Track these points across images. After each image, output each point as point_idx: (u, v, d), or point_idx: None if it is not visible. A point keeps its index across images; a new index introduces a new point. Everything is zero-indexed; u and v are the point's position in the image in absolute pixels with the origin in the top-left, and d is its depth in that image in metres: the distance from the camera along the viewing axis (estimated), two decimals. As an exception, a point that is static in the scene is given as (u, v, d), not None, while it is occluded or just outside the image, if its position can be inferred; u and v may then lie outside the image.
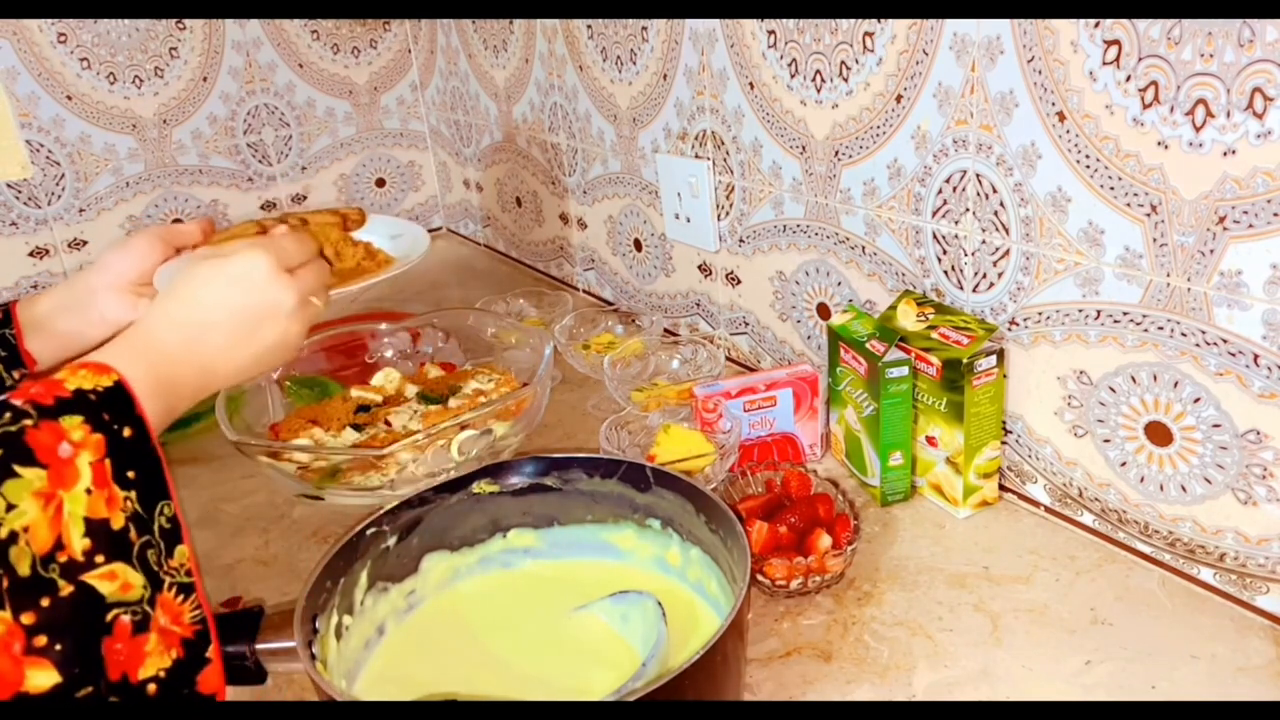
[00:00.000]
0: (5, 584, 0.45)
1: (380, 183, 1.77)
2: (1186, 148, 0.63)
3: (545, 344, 0.95)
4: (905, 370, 0.80)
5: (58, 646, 0.46)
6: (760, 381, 0.91)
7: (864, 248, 0.91)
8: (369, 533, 0.68)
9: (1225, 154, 0.61)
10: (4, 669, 0.44)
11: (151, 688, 0.50)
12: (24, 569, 0.46)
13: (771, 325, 1.08)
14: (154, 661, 0.50)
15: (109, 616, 0.49)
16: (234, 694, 0.67)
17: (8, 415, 0.49)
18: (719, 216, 1.10)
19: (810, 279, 1.00)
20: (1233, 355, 0.64)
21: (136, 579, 0.50)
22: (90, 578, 0.48)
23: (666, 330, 1.26)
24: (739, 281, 1.11)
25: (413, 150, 1.79)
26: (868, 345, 0.82)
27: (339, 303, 1.07)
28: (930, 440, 0.82)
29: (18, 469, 0.47)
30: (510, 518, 0.74)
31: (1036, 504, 0.83)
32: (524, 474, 0.74)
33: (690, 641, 0.64)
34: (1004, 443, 0.83)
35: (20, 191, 1.46)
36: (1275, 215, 0.59)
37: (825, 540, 0.73)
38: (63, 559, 0.48)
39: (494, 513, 0.74)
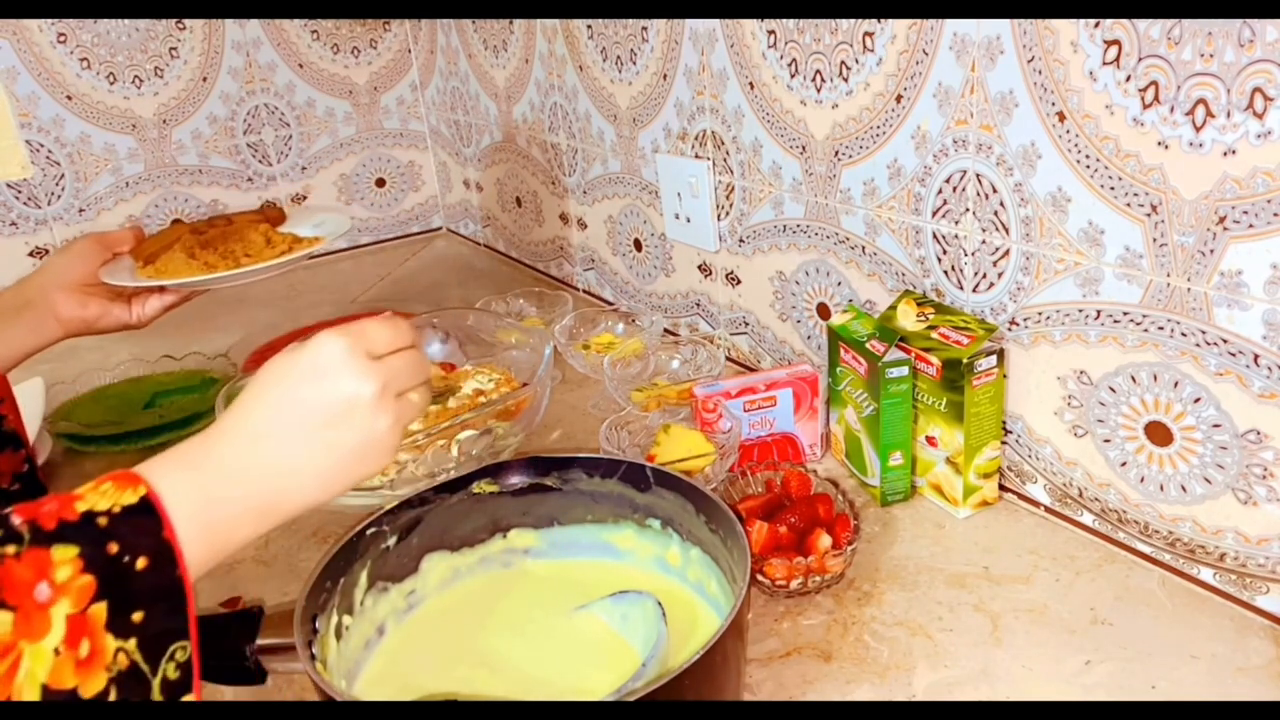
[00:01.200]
0: None
1: (380, 183, 1.78)
2: (1186, 148, 0.63)
3: (545, 344, 0.95)
4: (905, 370, 0.80)
5: None
6: (760, 381, 0.91)
7: (864, 248, 0.91)
8: (369, 533, 0.68)
9: (1225, 154, 0.61)
10: None
11: None
12: None
13: (771, 325, 1.08)
14: None
15: None
16: (234, 694, 0.67)
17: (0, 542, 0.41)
18: (719, 216, 1.10)
19: (810, 279, 1.00)
20: (1233, 355, 0.64)
21: None
22: None
23: (666, 330, 1.26)
24: (739, 281, 1.11)
25: (413, 150, 1.79)
26: (868, 345, 0.82)
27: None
28: (930, 440, 0.82)
29: None
30: (510, 518, 0.74)
31: (1036, 504, 0.83)
32: (524, 474, 0.74)
33: (690, 641, 0.64)
34: (1004, 443, 0.83)
35: (20, 191, 1.46)
36: (1275, 215, 0.59)
37: (825, 540, 0.73)
38: None
39: (494, 513, 0.74)
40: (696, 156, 1.09)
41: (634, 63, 1.14)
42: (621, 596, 0.67)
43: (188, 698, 0.44)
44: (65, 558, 0.41)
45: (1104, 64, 0.66)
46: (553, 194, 1.44)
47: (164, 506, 0.45)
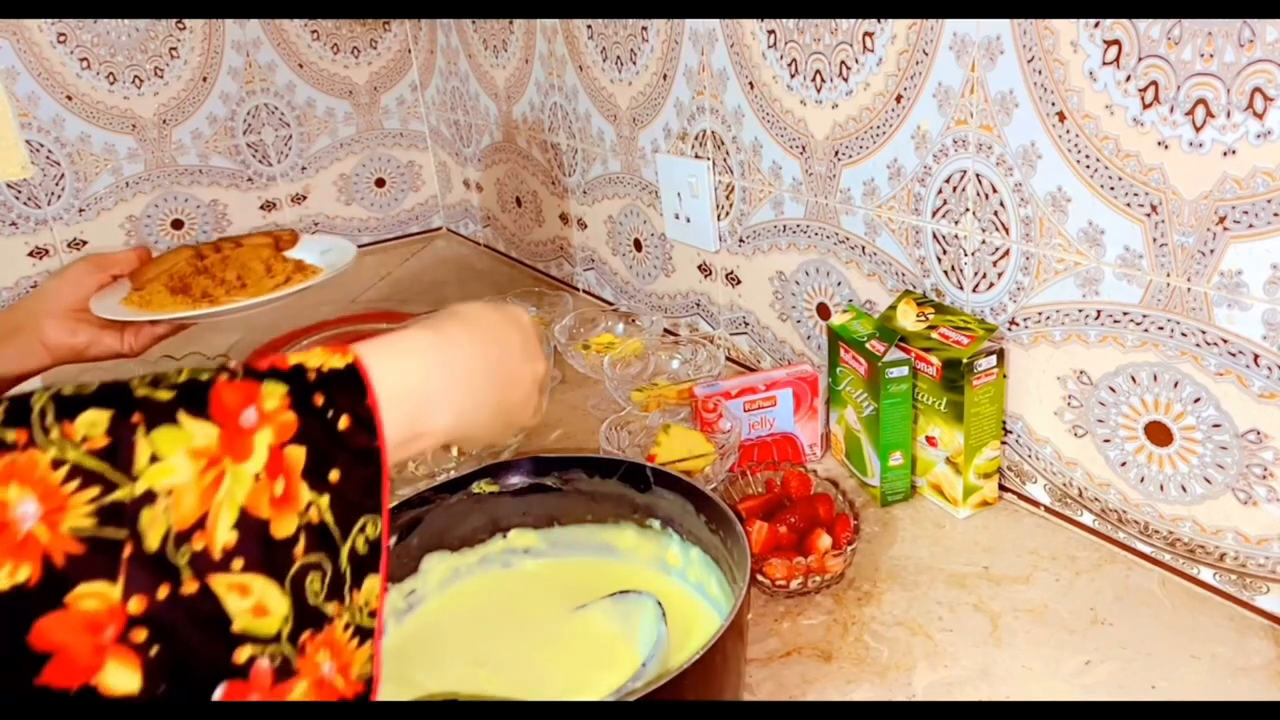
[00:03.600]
0: (127, 552, 0.37)
1: (380, 183, 1.78)
2: (1186, 148, 0.63)
3: (545, 344, 0.95)
4: (905, 370, 0.80)
5: (153, 650, 0.37)
6: (760, 381, 0.91)
7: (864, 248, 0.91)
8: (369, 533, 0.68)
9: (1225, 154, 0.61)
10: (82, 652, 0.35)
11: None
12: (153, 540, 0.37)
13: (771, 325, 1.08)
14: None
15: (240, 654, 0.39)
16: (234, 694, 0.67)
17: (215, 371, 0.41)
18: (719, 216, 1.10)
19: (810, 279, 1.00)
20: (1233, 355, 0.64)
21: (279, 606, 0.40)
22: (218, 583, 0.39)
23: (666, 330, 1.26)
24: (739, 281, 1.11)
25: (413, 150, 1.79)
26: (868, 345, 0.82)
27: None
28: (930, 440, 0.82)
29: (181, 417, 0.39)
30: (510, 518, 0.74)
31: (1036, 504, 0.83)
32: (524, 474, 0.74)
33: (690, 641, 0.64)
34: (1004, 443, 0.83)
35: (20, 191, 1.46)
36: (1275, 215, 0.59)
37: (825, 540, 0.73)
38: (198, 545, 0.38)
39: (494, 513, 0.74)
40: (696, 156, 1.09)
41: (634, 63, 1.14)
42: (621, 596, 0.67)
43: (371, 579, 0.44)
44: (274, 392, 0.42)
45: (1104, 64, 0.66)
46: (553, 194, 1.44)
47: (370, 379, 0.45)
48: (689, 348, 1.09)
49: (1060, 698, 0.63)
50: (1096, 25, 0.65)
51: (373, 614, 0.44)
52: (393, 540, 0.69)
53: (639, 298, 1.31)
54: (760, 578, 0.72)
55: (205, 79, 1.55)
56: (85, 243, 1.52)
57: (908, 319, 0.82)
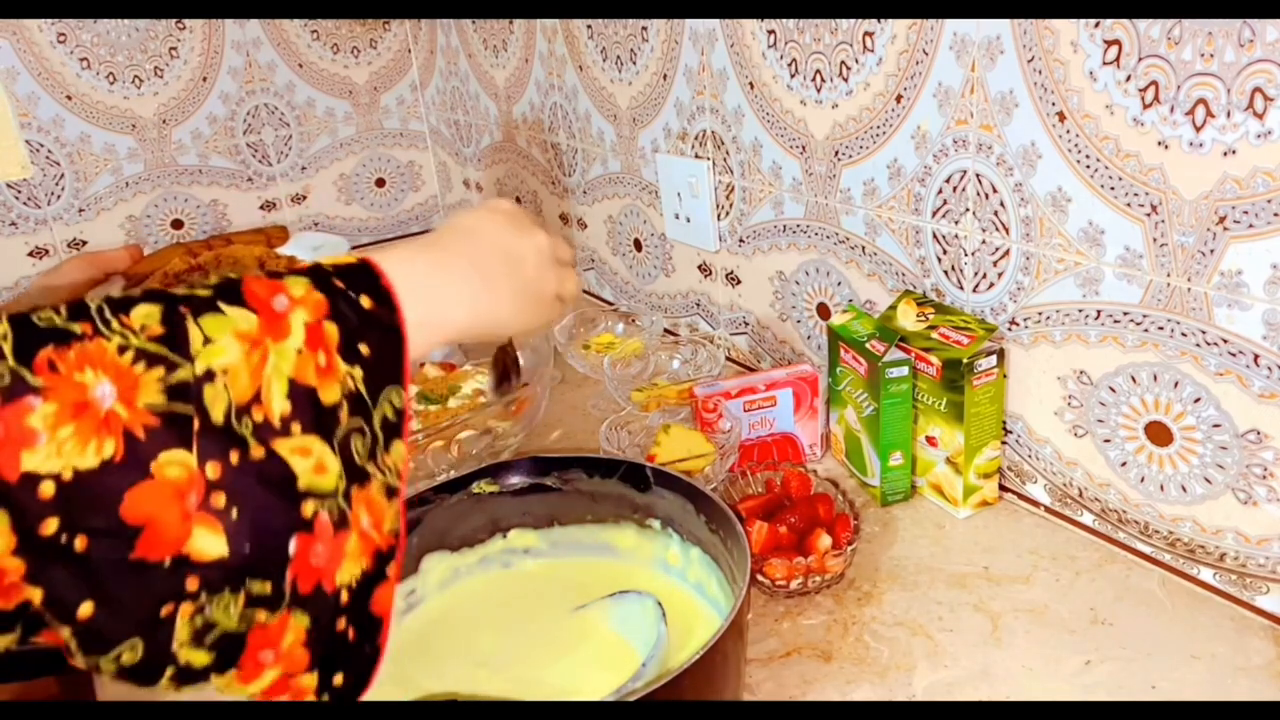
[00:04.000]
0: (197, 425, 0.40)
1: (380, 183, 1.77)
2: (1187, 148, 0.63)
3: (545, 344, 0.95)
4: (905, 370, 0.80)
5: (234, 513, 0.40)
6: (760, 381, 0.91)
7: (864, 248, 0.91)
8: (369, 533, 0.68)
9: (1225, 154, 0.61)
10: (170, 522, 0.39)
11: (345, 596, 0.44)
12: (218, 415, 0.41)
13: (771, 325, 1.08)
14: (350, 567, 0.44)
15: (306, 509, 0.43)
16: (234, 694, 0.67)
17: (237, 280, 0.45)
18: (719, 216, 1.10)
19: (810, 279, 1.00)
20: (1233, 355, 0.64)
21: (333, 464, 0.44)
22: (282, 447, 0.42)
23: (666, 330, 1.26)
24: (739, 281, 1.11)
25: (413, 150, 1.79)
26: (868, 345, 0.82)
27: None
28: (930, 440, 0.82)
29: (223, 306, 0.43)
30: (510, 518, 0.74)
31: (1036, 504, 0.83)
32: (524, 474, 0.74)
33: (690, 641, 0.64)
34: (1004, 443, 0.83)
35: (20, 191, 1.46)
36: (1275, 215, 0.59)
37: (825, 540, 0.73)
38: (258, 417, 0.42)
39: (494, 513, 0.74)
40: (696, 156, 1.09)
41: (634, 63, 1.14)
42: (621, 596, 0.67)
43: (397, 443, 0.47)
44: (298, 282, 0.46)
45: (1104, 64, 0.66)
46: (553, 194, 1.44)
47: (381, 268, 0.49)
48: (689, 348, 1.09)
49: (1060, 698, 0.63)
50: (1096, 25, 0.65)
51: (399, 475, 0.47)
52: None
53: (639, 298, 1.31)
54: (760, 578, 0.72)
55: (205, 79, 1.55)
56: (85, 242, 1.51)
57: (908, 319, 0.82)
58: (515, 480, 0.74)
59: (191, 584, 0.40)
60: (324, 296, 0.46)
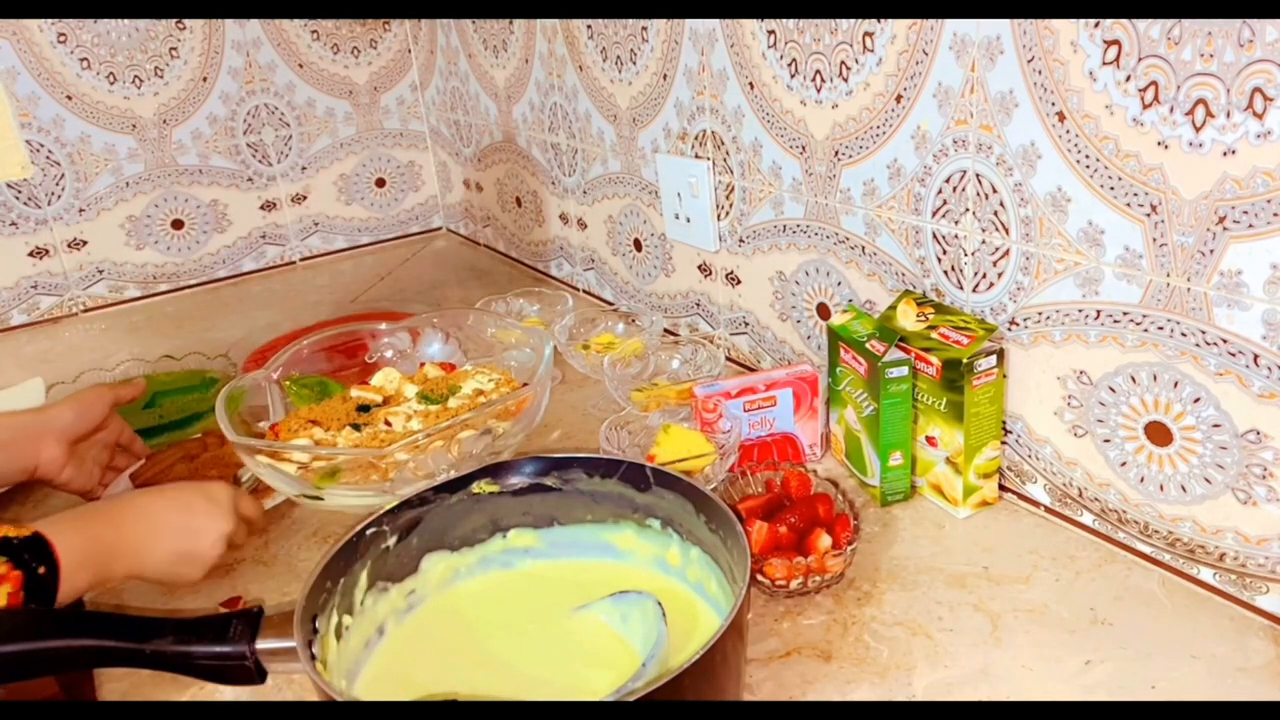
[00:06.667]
0: None
1: (380, 183, 1.78)
2: (1186, 148, 0.63)
3: (545, 344, 0.95)
4: (905, 370, 0.80)
5: None
6: (760, 381, 0.91)
7: (864, 248, 0.91)
8: (369, 533, 0.68)
9: (1225, 154, 0.61)
10: None
11: None
12: None
13: (771, 325, 1.08)
14: None
15: None
16: (234, 694, 0.68)
17: None
18: (719, 216, 1.10)
19: (810, 279, 1.00)
20: (1233, 355, 0.64)
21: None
22: None
23: (666, 330, 1.26)
24: (739, 281, 1.11)
25: (413, 150, 1.79)
26: (868, 345, 0.82)
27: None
28: (930, 440, 0.82)
29: None
30: (510, 518, 0.74)
31: (1036, 504, 0.83)
32: (524, 474, 0.74)
33: (690, 641, 0.64)
34: (1004, 443, 0.83)
35: (20, 191, 1.46)
36: (1275, 215, 0.59)
37: (825, 540, 0.73)
38: None
39: (494, 513, 0.74)
40: (696, 156, 1.09)
41: (634, 63, 1.14)
42: (621, 596, 0.67)
43: None
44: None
45: (1104, 64, 0.66)
46: (553, 194, 1.44)
47: (51, 540, 0.65)
48: (689, 348, 1.09)
49: (1060, 698, 0.63)
50: (1096, 25, 0.65)
51: None
52: (393, 540, 0.69)
53: (639, 298, 1.31)
54: (760, 578, 0.72)
55: (205, 79, 1.55)
56: (85, 242, 1.52)
57: (908, 319, 0.82)
58: (515, 480, 0.74)
59: None
60: (20, 574, 0.61)
